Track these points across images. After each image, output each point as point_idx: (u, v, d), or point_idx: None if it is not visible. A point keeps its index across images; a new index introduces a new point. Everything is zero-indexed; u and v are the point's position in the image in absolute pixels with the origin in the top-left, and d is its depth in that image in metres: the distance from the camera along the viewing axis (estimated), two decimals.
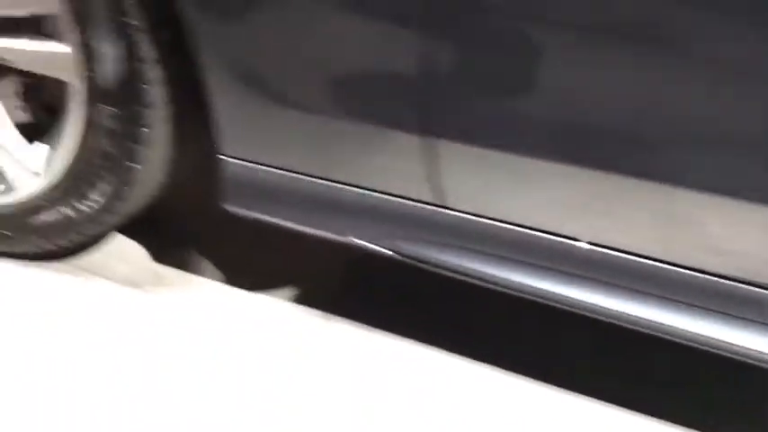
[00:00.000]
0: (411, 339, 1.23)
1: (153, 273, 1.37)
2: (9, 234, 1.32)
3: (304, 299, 1.32)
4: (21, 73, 1.25)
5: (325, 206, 1.07)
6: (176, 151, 1.20)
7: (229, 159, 1.10)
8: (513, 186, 0.97)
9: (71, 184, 1.23)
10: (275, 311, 1.30)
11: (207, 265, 1.40)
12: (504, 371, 1.19)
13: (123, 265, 1.38)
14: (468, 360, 1.21)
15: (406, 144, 0.96)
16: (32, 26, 1.17)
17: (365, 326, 1.25)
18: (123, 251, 1.40)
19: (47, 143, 1.27)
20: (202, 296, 1.32)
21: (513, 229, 1.00)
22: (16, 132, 1.28)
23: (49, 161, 1.26)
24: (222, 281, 1.36)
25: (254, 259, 1.43)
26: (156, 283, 1.34)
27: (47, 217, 1.27)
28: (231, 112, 1.06)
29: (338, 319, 1.27)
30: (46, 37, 1.14)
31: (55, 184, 1.24)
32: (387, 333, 1.24)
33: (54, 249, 1.32)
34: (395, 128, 0.97)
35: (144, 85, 1.10)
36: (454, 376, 1.18)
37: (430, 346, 1.22)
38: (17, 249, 1.34)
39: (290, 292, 1.34)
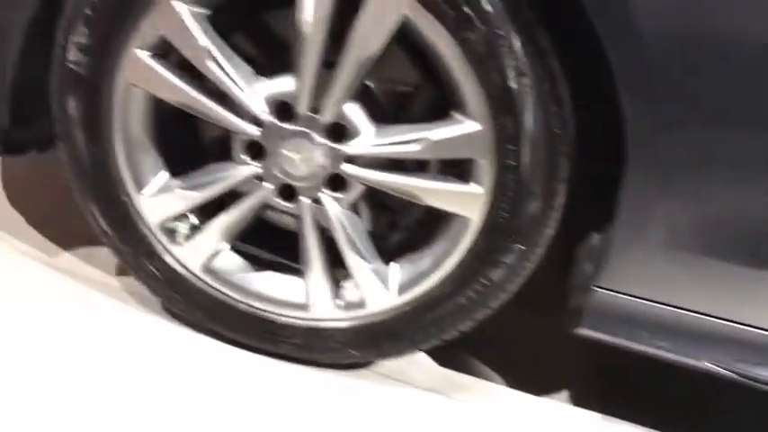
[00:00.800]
0: None
1: (448, 379, 1.53)
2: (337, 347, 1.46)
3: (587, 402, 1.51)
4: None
5: (685, 334, 1.33)
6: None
7: (599, 289, 1.35)
8: None
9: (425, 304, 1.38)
10: (569, 416, 1.49)
11: (491, 369, 1.59)
12: None
13: (419, 371, 1.53)
14: None
15: None
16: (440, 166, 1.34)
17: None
18: (415, 357, 1.55)
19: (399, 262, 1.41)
20: (499, 402, 1.49)
21: None
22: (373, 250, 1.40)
23: (407, 280, 1.40)
24: (508, 385, 1.55)
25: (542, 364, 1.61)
26: (454, 389, 1.50)
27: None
28: (628, 248, 1.30)
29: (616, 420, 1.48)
30: (455, 177, 1.30)
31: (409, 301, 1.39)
32: None
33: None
34: None
35: (545, 228, 1.32)
36: None
37: None
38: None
39: (570, 394, 1.56)
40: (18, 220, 1.74)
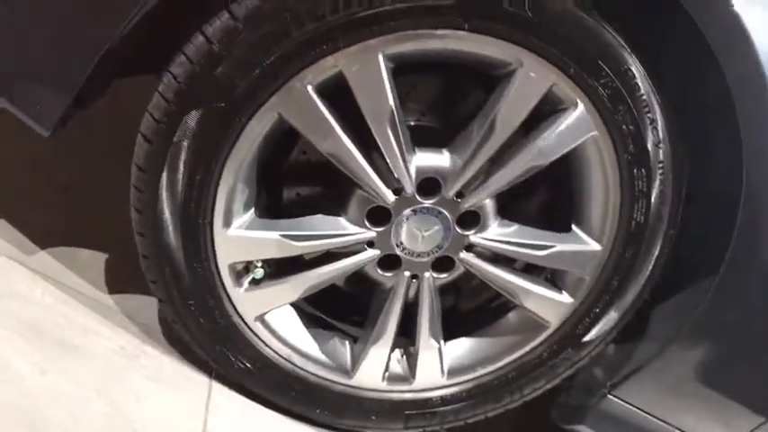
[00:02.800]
0: None
1: None
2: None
3: None
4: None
5: None
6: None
7: (617, 400, 1.49)
8: None
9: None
10: None
11: None
12: None
13: None
14: None
15: None
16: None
17: None
18: None
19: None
20: None
21: None
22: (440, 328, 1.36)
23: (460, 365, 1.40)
24: None
25: None
26: None
27: None
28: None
29: None
30: (554, 287, 1.35)
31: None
32: None
33: None
34: None
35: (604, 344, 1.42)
36: None
37: None
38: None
39: None
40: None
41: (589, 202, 1.29)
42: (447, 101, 1.29)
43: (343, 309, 1.43)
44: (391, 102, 1.13)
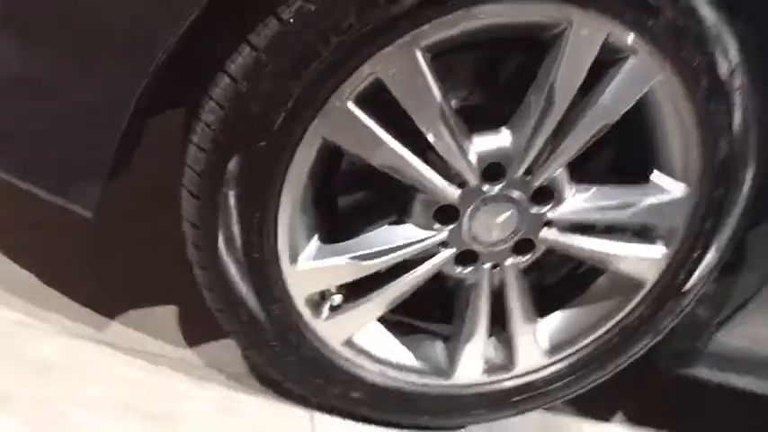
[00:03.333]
0: None
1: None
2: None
3: None
4: None
5: None
6: None
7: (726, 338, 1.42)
8: None
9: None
10: None
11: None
12: None
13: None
14: None
15: None
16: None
17: None
18: None
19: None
20: None
21: None
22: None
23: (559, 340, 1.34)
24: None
25: None
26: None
27: None
28: None
29: None
30: (646, 240, 1.25)
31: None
32: None
33: None
34: None
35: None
36: None
37: None
38: None
39: None
40: None
41: (666, 148, 1.19)
42: (490, 75, 1.19)
43: (426, 308, 1.36)
44: (437, 95, 1.04)
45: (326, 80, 1.00)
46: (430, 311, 1.35)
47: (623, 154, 1.26)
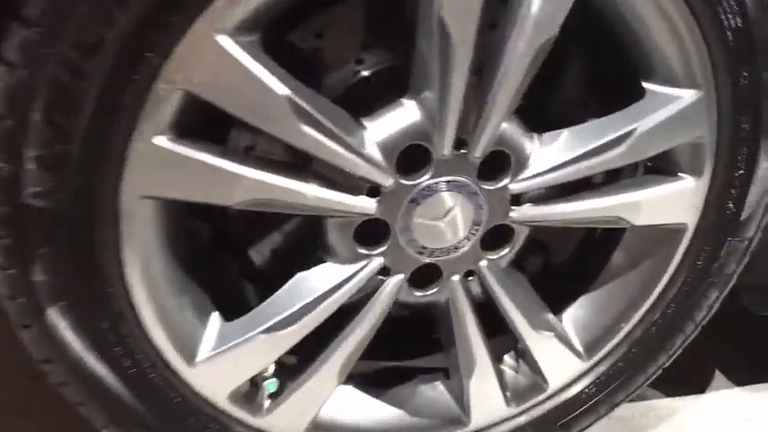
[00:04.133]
0: None
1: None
2: None
3: None
4: None
5: None
6: None
7: None
8: None
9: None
10: None
11: None
12: None
13: None
14: None
15: None
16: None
17: None
18: None
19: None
20: None
21: None
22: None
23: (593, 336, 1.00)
24: None
25: None
26: None
27: None
28: None
29: None
30: (668, 174, 0.90)
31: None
32: None
33: None
34: None
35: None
36: None
37: None
38: None
39: None
40: None
41: (654, 49, 0.83)
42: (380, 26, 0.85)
43: (405, 341, 1.04)
44: (283, 89, 0.71)
45: (110, 124, 0.68)
46: (412, 344, 1.04)
47: (594, 77, 0.90)
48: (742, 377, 1.31)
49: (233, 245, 0.90)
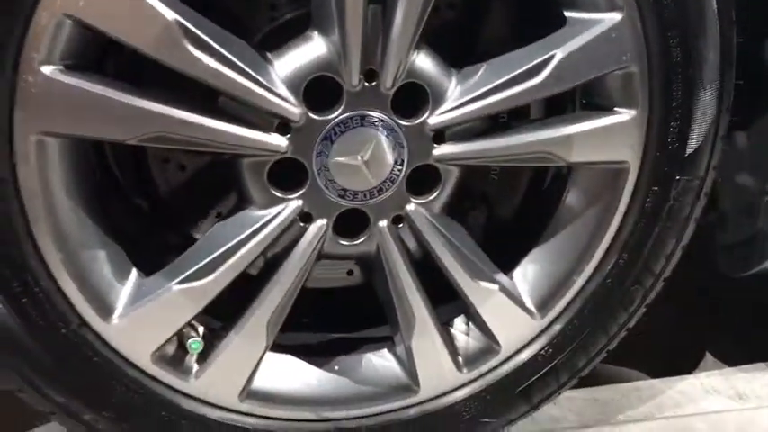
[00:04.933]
0: None
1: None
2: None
3: None
4: None
5: None
6: None
7: None
8: None
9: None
10: None
11: None
12: None
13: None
14: None
15: None
16: None
17: None
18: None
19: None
20: None
21: None
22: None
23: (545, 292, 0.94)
24: None
25: None
26: None
27: None
28: None
29: None
30: (598, 109, 0.86)
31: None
32: None
33: None
34: None
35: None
36: None
37: None
38: None
39: None
40: None
41: None
42: None
43: (346, 309, 1.00)
44: (171, 14, 0.70)
45: None
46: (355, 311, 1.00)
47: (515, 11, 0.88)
48: (731, 356, 1.23)
49: (153, 196, 0.88)
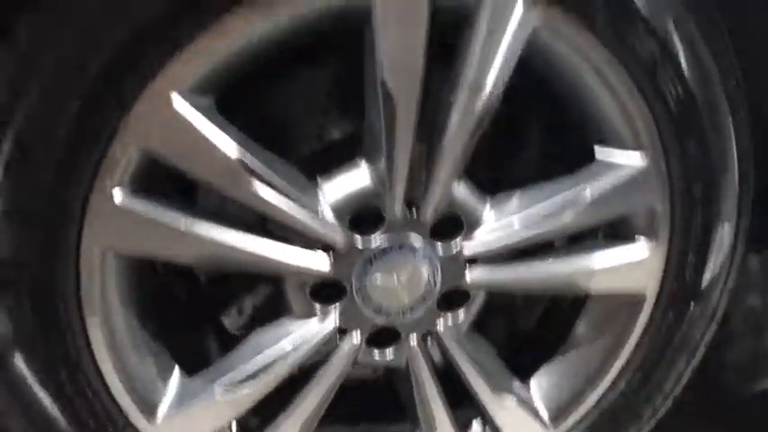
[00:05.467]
0: None
1: None
2: None
3: None
4: None
5: None
6: None
7: None
8: None
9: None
10: None
11: None
12: None
13: None
14: None
15: None
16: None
17: None
18: None
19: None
20: None
21: None
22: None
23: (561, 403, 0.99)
24: None
25: None
26: None
27: None
28: None
29: None
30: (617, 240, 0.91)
31: None
32: None
33: None
34: None
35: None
36: None
37: None
38: None
39: None
40: None
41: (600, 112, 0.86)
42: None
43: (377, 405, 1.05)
44: (236, 153, 0.76)
45: (69, 180, 0.74)
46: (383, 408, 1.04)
47: (545, 138, 0.94)
48: None
49: (206, 304, 0.93)
